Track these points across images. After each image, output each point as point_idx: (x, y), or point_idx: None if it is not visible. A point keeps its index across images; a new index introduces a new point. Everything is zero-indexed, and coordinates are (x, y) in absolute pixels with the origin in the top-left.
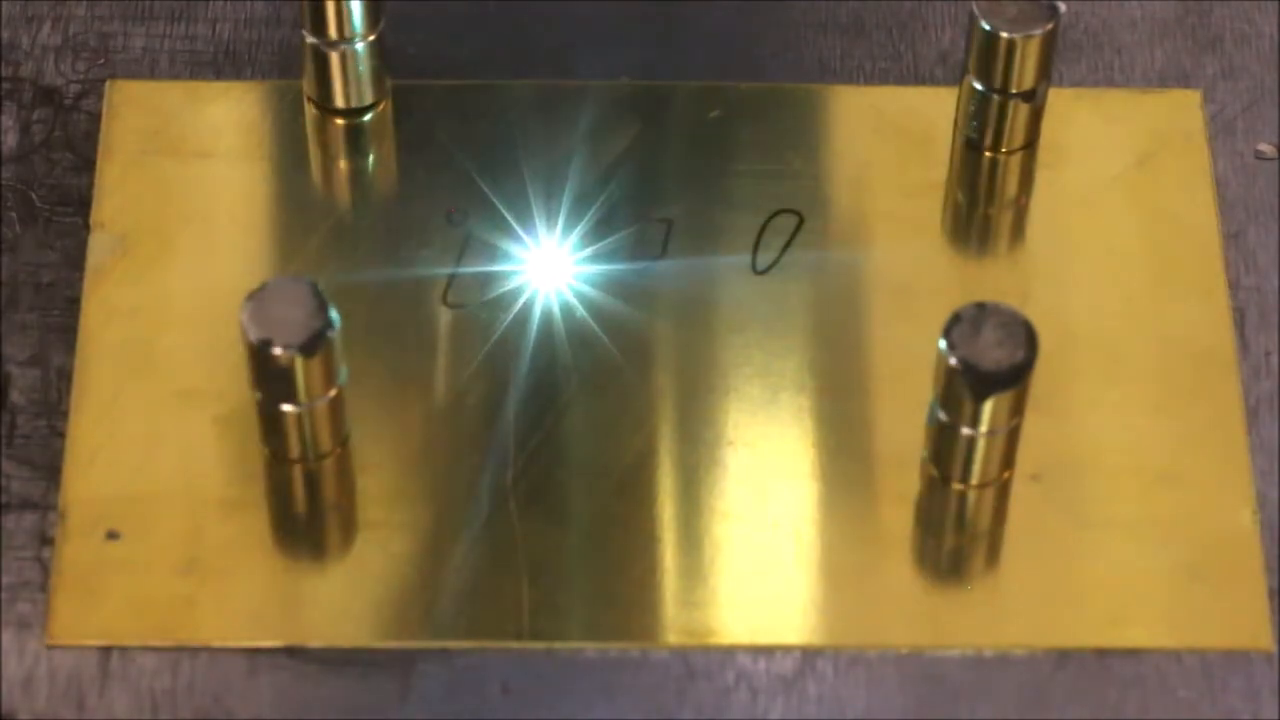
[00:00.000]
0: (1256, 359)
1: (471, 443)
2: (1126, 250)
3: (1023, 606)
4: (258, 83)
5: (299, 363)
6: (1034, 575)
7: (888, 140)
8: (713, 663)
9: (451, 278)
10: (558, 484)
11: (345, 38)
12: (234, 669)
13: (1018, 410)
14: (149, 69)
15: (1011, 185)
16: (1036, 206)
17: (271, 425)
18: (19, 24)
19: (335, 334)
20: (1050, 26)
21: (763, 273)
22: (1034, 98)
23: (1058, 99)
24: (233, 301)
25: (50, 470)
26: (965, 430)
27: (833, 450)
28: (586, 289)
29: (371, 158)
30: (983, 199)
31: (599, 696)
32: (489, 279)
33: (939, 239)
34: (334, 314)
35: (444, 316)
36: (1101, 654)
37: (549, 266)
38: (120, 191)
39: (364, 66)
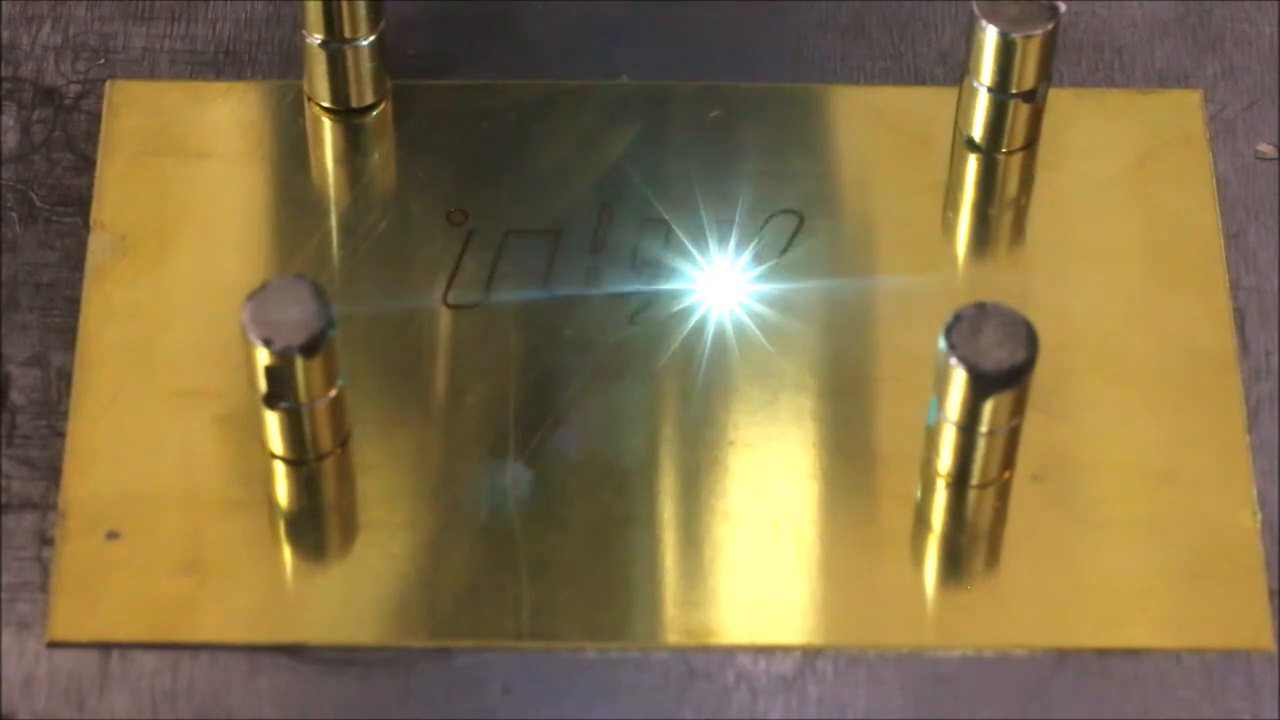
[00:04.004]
0: (1256, 359)
1: (471, 443)
2: (1126, 250)
3: (1023, 606)
4: (258, 83)
5: (299, 363)
6: (1034, 575)
7: (888, 140)
8: (713, 663)
9: (451, 278)
10: (558, 484)
11: (345, 38)
12: (234, 669)
13: (1018, 410)
14: (149, 69)
15: (1011, 185)
16: (1036, 206)
17: (271, 425)
18: (19, 24)
19: (335, 334)
20: (1050, 26)
21: (763, 273)
22: (1034, 98)
23: (1058, 99)
24: (233, 301)
25: (50, 470)
26: (965, 430)
27: (833, 450)
28: (586, 289)
29: (371, 158)
30: (983, 199)
31: (599, 696)
32: (491, 278)
33: (939, 239)
34: (334, 314)
35: (444, 316)
36: (1101, 654)
37: (552, 267)
38: (120, 191)
39: (364, 66)
